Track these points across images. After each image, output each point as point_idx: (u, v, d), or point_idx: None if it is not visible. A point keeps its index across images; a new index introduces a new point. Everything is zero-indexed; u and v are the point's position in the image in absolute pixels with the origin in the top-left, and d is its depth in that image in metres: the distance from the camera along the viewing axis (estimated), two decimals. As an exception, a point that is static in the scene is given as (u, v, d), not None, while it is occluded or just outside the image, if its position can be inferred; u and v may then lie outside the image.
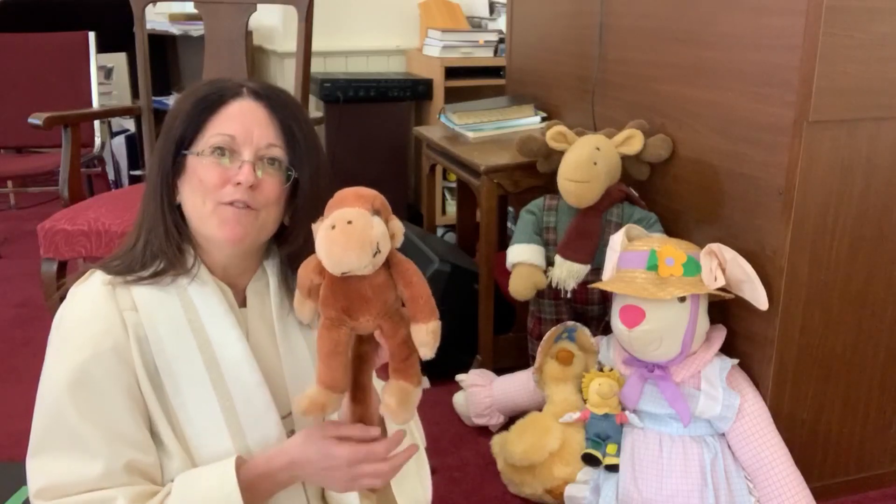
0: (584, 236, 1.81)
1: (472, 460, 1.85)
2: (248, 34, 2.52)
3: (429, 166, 2.52)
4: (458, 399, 1.98)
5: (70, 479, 0.91)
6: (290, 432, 1.02)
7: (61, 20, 3.24)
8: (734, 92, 1.59)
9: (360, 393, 0.99)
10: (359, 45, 3.35)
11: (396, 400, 0.92)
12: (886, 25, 1.44)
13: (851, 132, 1.49)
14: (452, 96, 3.08)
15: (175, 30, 3.35)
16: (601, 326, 1.89)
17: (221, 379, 0.98)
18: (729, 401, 1.53)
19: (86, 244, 1.87)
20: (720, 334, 1.61)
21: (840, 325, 1.61)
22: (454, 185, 2.95)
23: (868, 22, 1.42)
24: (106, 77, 3.99)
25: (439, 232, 3.18)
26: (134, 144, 3.81)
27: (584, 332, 1.75)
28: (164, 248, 1.00)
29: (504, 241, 2.47)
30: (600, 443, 1.59)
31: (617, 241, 1.62)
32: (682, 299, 1.53)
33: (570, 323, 1.76)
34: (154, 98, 2.33)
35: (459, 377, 1.98)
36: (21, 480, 1.45)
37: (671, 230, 1.81)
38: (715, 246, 1.54)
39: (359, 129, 3.09)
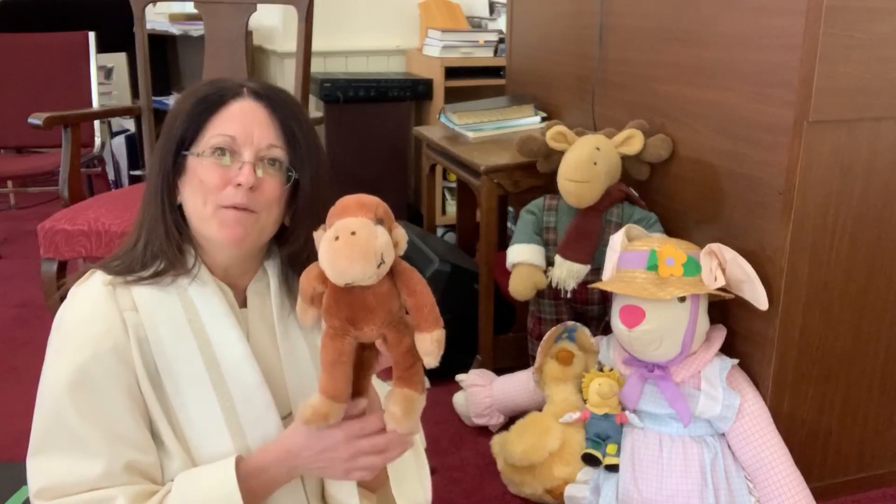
0: (584, 236, 1.81)
1: (472, 460, 1.85)
2: (248, 34, 2.52)
3: (429, 166, 2.52)
4: (458, 399, 1.98)
5: (70, 479, 0.91)
6: (291, 432, 1.01)
7: (61, 20, 3.24)
8: (734, 92, 1.59)
9: (359, 398, 0.99)
10: (359, 45, 3.35)
11: (401, 408, 0.91)
12: (886, 25, 1.44)
13: (851, 132, 1.49)
14: (452, 96, 3.08)
15: (175, 30, 3.35)
16: (601, 326, 1.89)
17: (222, 379, 0.98)
18: (729, 401, 1.53)
19: (86, 244, 1.87)
20: (720, 334, 1.61)
21: (840, 325, 1.61)
22: (454, 185, 2.95)
23: (868, 22, 1.42)
24: (106, 77, 3.99)
25: (439, 232, 3.18)
26: (134, 144, 3.81)
27: (584, 332, 1.75)
28: (164, 248, 1.00)
29: (504, 241, 2.47)
30: (600, 443, 1.59)
31: (617, 241, 1.62)
32: (682, 299, 1.53)
33: (570, 323, 1.76)
34: (154, 98, 2.33)
35: (459, 377, 1.98)
36: (21, 480, 1.45)
37: (671, 230, 1.81)
38: (715, 246, 1.54)
39: (359, 129, 3.09)
